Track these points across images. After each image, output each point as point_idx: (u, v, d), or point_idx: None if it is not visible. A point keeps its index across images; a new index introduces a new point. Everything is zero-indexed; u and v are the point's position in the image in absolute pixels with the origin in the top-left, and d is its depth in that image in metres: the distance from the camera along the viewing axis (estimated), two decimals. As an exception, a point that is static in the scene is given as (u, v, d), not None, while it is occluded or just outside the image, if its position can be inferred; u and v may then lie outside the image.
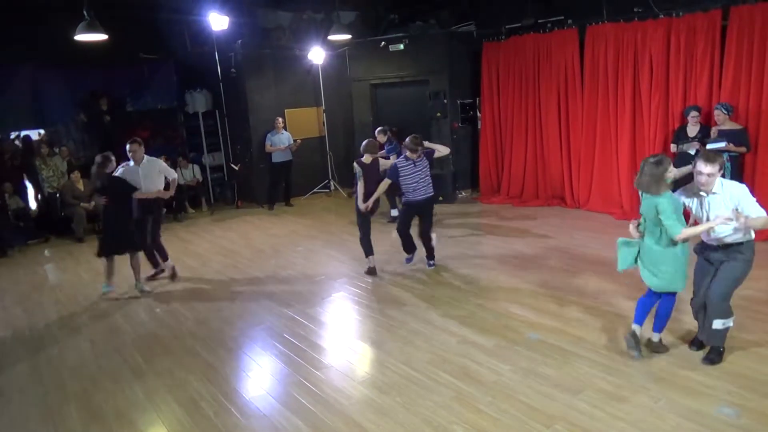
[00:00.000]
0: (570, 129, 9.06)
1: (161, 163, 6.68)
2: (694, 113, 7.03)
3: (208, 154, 11.36)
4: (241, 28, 9.94)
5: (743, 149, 6.62)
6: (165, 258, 6.84)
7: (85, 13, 6.24)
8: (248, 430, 3.67)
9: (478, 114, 10.46)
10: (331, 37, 9.09)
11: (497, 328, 4.86)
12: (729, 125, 6.67)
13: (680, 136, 7.16)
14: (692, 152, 6.92)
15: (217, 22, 8.82)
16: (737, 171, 6.66)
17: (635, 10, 7.90)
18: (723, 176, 6.36)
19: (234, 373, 4.49)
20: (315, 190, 11.56)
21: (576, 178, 9.13)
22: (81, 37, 6.39)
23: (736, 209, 3.77)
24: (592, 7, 8.32)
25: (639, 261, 4.17)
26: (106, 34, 6.47)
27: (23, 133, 9.90)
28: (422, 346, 4.64)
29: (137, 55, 10.37)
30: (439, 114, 10.03)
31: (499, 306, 5.35)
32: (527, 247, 7.16)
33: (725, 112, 6.66)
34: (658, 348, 4.24)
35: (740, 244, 3.93)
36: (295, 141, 10.57)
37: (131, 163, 6.35)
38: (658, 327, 4.23)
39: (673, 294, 4.15)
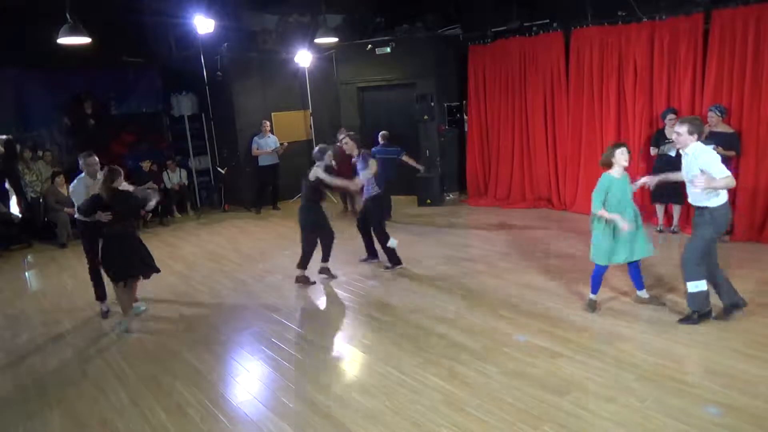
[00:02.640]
0: (556, 131, 9.13)
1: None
2: (671, 116, 7.10)
3: (194, 157, 11.28)
4: (227, 31, 9.90)
5: (732, 153, 6.67)
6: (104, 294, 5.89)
7: (67, 16, 6.18)
8: (235, 436, 3.64)
9: (465, 117, 10.50)
10: (318, 40, 9.08)
11: (485, 331, 4.87)
12: (721, 128, 6.71)
13: (658, 138, 7.23)
14: (672, 154, 6.99)
15: (203, 25, 8.78)
16: (725, 174, 6.73)
17: (619, 13, 7.98)
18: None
19: (221, 378, 4.45)
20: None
21: (562, 180, 9.19)
22: (64, 40, 6.33)
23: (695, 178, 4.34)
24: (576, 11, 8.39)
25: None
26: (90, 37, 6.41)
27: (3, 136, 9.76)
28: (410, 349, 4.63)
29: (121, 58, 10.28)
30: (425, 117, 10.05)
31: (486, 308, 5.36)
32: (514, 249, 7.19)
33: (719, 114, 6.69)
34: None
35: (704, 207, 4.45)
36: (281, 144, 10.54)
37: (85, 175, 5.63)
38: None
39: (596, 265, 4.92)
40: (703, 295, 4.58)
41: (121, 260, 5.29)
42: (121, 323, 5.46)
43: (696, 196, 4.49)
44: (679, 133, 4.47)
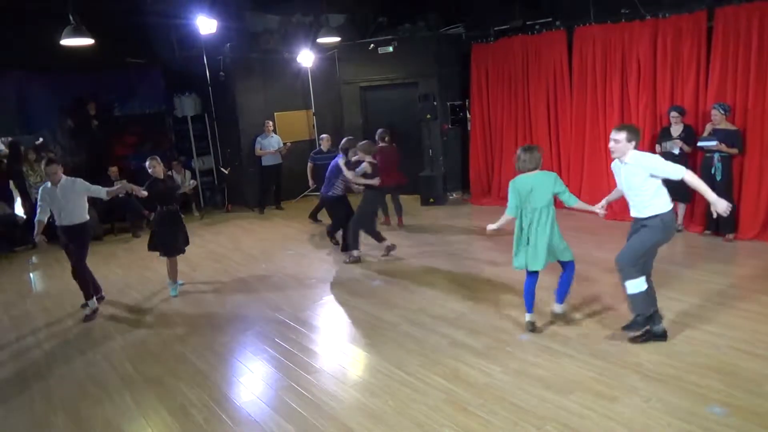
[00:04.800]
0: (559, 130, 9.10)
1: (82, 183, 5.84)
2: (674, 113, 7.08)
3: (197, 158, 11.30)
4: (230, 32, 9.90)
5: (735, 151, 6.64)
6: (89, 294, 5.95)
7: (70, 17, 6.19)
8: (239, 437, 3.64)
9: (468, 116, 10.48)
10: (320, 40, 9.08)
11: (488, 330, 4.86)
12: (725, 125, 6.68)
13: (664, 136, 7.21)
14: (675, 152, 6.97)
15: (206, 25, 8.78)
16: (727, 171, 6.68)
17: (622, 11, 7.95)
18: (714, 176, 6.51)
19: (224, 378, 4.45)
20: (305, 193, 11.52)
21: (566, 179, 9.14)
22: (67, 41, 6.35)
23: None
24: (579, 9, 8.36)
25: None
26: (92, 38, 6.42)
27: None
28: (413, 348, 4.63)
29: (124, 59, 10.29)
30: (428, 116, 10.03)
31: (489, 307, 5.35)
32: (518, 248, 7.16)
33: (722, 112, 6.66)
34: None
35: (655, 215, 4.21)
36: (284, 144, 10.54)
37: (48, 183, 5.70)
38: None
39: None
40: (643, 295, 4.27)
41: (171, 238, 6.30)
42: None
43: (641, 207, 4.26)
44: (617, 140, 4.19)
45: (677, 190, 6.75)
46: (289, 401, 3.99)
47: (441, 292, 5.87)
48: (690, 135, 6.97)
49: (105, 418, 3.98)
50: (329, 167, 7.28)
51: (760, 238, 6.78)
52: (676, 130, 7.08)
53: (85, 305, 6.02)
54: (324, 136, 9.60)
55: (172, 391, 4.25)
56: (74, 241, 5.82)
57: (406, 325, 5.09)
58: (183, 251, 6.47)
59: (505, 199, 10.29)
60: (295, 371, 4.42)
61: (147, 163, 6.21)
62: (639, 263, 4.27)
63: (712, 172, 6.67)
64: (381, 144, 8.43)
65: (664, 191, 4.27)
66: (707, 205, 6.93)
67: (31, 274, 7.95)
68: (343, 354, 4.74)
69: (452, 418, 3.62)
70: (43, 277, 7.69)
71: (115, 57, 9.90)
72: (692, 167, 7.15)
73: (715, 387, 3.73)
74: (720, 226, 6.90)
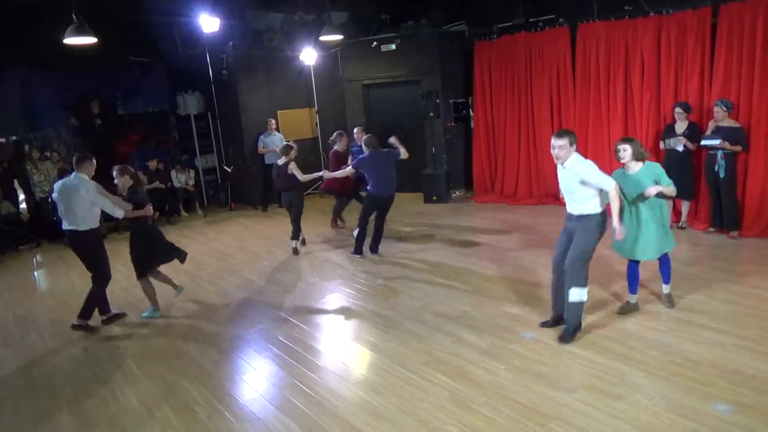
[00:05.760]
0: (563, 127, 9.07)
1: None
2: (679, 110, 7.04)
3: (200, 156, 11.32)
4: (232, 30, 9.90)
5: (738, 148, 6.59)
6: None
7: (73, 16, 6.20)
8: (242, 434, 3.65)
9: (471, 113, 10.46)
10: (323, 38, 9.06)
11: (491, 328, 4.85)
12: (727, 122, 6.64)
13: (668, 133, 7.18)
14: (679, 149, 6.94)
15: (208, 24, 8.78)
16: (731, 169, 6.64)
17: (626, 8, 7.92)
18: (717, 173, 6.51)
19: (228, 376, 4.46)
20: (308, 191, 11.51)
21: (569, 177, 9.14)
22: (70, 40, 6.35)
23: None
24: (583, 6, 8.33)
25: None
26: (96, 37, 6.42)
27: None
28: (417, 346, 4.63)
29: (127, 57, 10.31)
30: (431, 114, 10.02)
31: (493, 305, 5.34)
32: (521, 246, 7.16)
33: (725, 109, 6.62)
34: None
35: (588, 215, 4.33)
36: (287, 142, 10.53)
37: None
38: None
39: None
40: (583, 307, 4.44)
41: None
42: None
43: (577, 206, 4.37)
44: (560, 146, 4.23)
45: (681, 187, 6.76)
46: (293, 399, 3.99)
47: (445, 290, 5.86)
48: (694, 132, 6.94)
49: (109, 415, 3.99)
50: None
51: (765, 236, 6.75)
52: (681, 127, 7.04)
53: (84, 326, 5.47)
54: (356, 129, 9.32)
55: (176, 389, 4.26)
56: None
57: (410, 323, 5.09)
58: (152, 268, 5.71)
59: (507, 196, 10.34)
60: (299, 369, 4.43)
61: (114, 173, 5.54)
62: (586, 267, 4.38)
63: (716, 169, 6.64)
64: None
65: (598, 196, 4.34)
66: (711, 202, 6.96)
67: (36, 273, 7.98)
68: (346, 352, 4.74)
69: (456, 415, 3.62)
70: (48, 276, 7.71)
71: (119, 55, 9.93)
72: (696, 165, 7.16)
73: (720, 385, 3.71)
74: (724, 224, 6.88)
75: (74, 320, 5.46)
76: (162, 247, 5.76)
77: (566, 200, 4.47)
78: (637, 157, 4.57)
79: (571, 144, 4.23)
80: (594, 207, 4.31)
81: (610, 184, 4.20)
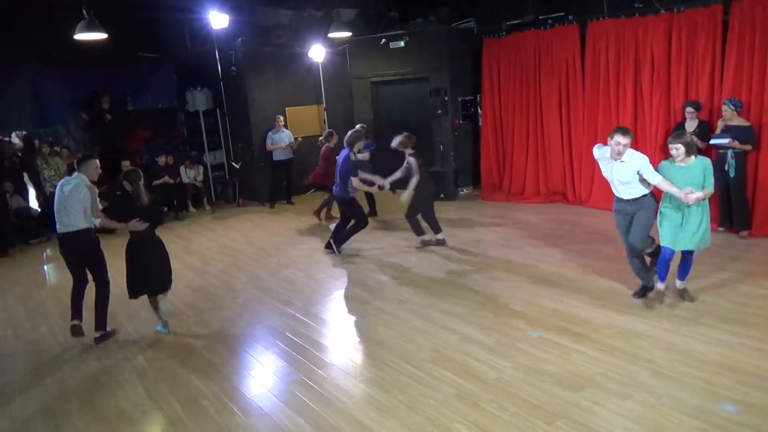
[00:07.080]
0: (571, 125, 9.04)
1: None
2: (689, 109, 7.00)
3: (209, 152, 11.36)
4: (242, 26, 9.93)
5: (748, 147, 6.54)
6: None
7: (84, 12, 6.23)
8: (250, 429, 3.67)
9: (479, 111, 10.44)
10: (332, 35, 9.07)
11: (498, 326, 4.85)
12: (737, 121, 6.59)
13: (678, 131, 7.13)
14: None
15: (218, 20, 8.81)
16: (741, 168, 6.59)
17: (636, 5, 7.86)
18: (727, 172, 6.51)
19: (236, 371, 4.49)
20: (316, 188, 11.55)
21: (577, 175, 9.11)
22: (81, 36, 6.39)
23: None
24: (592, 3, 8.29)
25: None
26: (106, 33, 6.46)
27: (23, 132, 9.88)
28: (423, 343, 4.64)
29: (137, 53, 10.36)
30: (439, 111, 10.02)
31: (499, 303, 5.34)
32: (528, 245, 7.15)
33: (733, 108, 6.57)
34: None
35: (642, 197, 4.90)
36: (295, 139, 10.56)
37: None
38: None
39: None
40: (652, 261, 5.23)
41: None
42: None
43: (632, 192, 4.90)
44: (626, 144, 4.74)
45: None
46: (300, 395, 4.01)
47: (451, 287, 5.86)
48: (705, 131, 6.89)
49: (118, 407, 4.03)
50: (338, 164, 7.19)
51: (775, 235, 6.71)
52: (691, 125, 7.00)
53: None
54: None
55: (184, 383, 4.29)
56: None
57: (416, 320, 5.10)
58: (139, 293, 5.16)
59: (515, 194, 10.31)
60: (306, 365, 4.45)
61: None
62: (648, 234, 5.02)
63: (726, 168, 6.59)
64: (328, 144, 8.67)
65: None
66: (720, 201, 6.90)
67: (46, 267, 8.05)
68: (353, 348, 4.76)
69: (462, 413, 3.63)
70: (58, 270, 7.77)
71: (128, 51, 9.98)
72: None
73: (727, 384, 3.70)
74: (734, 223, 6.83)
75: (94, 334, 5.12)
76: (142, 273, 5.05)
77: (619, 189, 4.95)
78: (691, 152, 4.71)
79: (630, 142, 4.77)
80: (644, 189, 4.88)
81: (656, 177, 4.71)
